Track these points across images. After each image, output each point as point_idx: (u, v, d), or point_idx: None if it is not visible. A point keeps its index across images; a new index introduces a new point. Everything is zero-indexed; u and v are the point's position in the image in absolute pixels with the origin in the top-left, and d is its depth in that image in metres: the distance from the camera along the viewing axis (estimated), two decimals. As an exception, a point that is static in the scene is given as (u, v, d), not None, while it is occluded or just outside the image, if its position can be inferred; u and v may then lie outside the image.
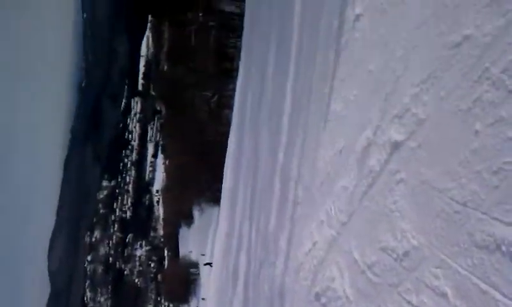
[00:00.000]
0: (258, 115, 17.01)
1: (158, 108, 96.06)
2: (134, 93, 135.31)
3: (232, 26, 30.48)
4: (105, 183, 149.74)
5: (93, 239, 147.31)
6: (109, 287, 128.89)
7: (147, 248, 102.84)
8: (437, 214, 4.05)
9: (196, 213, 44.05)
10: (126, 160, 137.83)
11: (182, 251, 51.19)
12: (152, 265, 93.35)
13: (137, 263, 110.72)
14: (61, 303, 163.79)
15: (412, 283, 4.33)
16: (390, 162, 5.20)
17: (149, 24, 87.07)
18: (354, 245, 5.91)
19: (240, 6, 29.84)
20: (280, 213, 10.98)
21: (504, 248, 3.17)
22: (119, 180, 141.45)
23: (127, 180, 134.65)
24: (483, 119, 3.60)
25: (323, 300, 6.88)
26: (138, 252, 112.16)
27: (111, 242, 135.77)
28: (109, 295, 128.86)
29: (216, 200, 34.08)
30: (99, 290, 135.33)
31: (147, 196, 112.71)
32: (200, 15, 30.13)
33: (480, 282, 3.37)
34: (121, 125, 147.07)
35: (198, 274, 40.05)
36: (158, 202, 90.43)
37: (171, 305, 59.30)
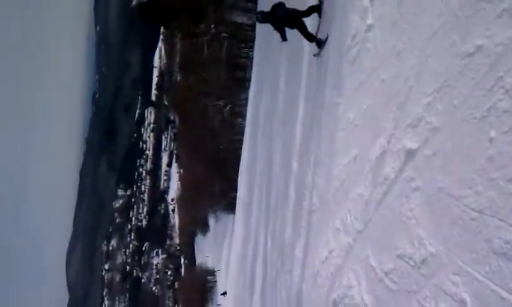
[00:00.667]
0: (271, 124, 17.11)
1: (171, 118, 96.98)
2: (147, 103, 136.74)
3: (244, 37, 30.75)
4: (120, 192, 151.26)
5: (110, 248, 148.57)
6: (127, 295, 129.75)
7: (163, 256, 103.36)
8: (454, 221, 4.09)
9: (211, 221, 44.25)
10: (141, 169, 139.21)
11: (199, 259, 51.40)
12: (169, 273, 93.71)
13: (154, 271, 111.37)
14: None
15: (430, 290, 4.35)
16: (405, 170, 5.25)
17: (161, 36, 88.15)
18: (371, 252, 5.95)
19: (251, 17, 30.12)
20: (295, 221, 11.02)
21: (521, 255, 3.20)
22: (134, 189, 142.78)
23: (142, 189, 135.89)
24: (498, 127, 3.62)
25: (341, 307, 6.92)
26: (155, 260, 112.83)
27: (127, 250, 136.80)
28: (127, 303, 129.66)
29: (231, 208, 34.25)
30: (117, 297, 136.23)
31: (162, 205, 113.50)
32: (212, 26, 30.47)
33: (499, 289, 3.39)
34: (135, 134, 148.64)
35: (215, 281, 40.15)
36: (173, 210, 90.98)
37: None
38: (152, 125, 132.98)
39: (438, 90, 4.66)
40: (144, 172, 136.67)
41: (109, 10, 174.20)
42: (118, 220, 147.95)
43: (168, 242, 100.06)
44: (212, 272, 41.45)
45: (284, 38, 9.45)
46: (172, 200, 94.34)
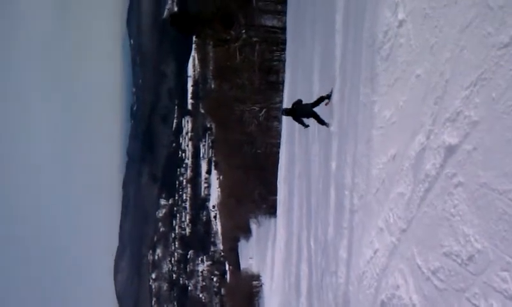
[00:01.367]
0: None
1: (208, 125, 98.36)
2: (184, 112, 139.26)
3: (275, 40, 30.80)
4: (163, 201, 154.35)
5: (156, 257, 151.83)
6: (175, 303, 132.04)
7: (208, 263, 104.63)
8: (499, 217, 4.01)
9: (253, 226, 44.43)
10: (181, 178, 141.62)
11: (243, 264, 51.73)
12: (215, 279, 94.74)
13: (200, 278, 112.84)
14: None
15: (479, 287, 4.27)
16: (446, 166, 5.16)
17: (194, 45, 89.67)
18: (416, 251, 5.86)
19: (281, 19, 30.14)
20: (337, 222, 10.96)
21: None
22: (176, 198, 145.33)
23: (184, 197, 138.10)
24: (539, 118, 3.55)
25: (389, 308, 6.84)
26: (200, 268, 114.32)
27: (172, 258, 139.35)
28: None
29: (271, 212, 34.30)
30: (165, 306, 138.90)
31: (204, 212, 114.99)
32: (243, 31, 30.68)
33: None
34: (174, 144, 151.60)
35: (261, 285, 40.27)
36: (215, 217, 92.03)
37: (235, 318, 59.80)
38: (189, 134, 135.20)
39: (475, 83, 4.57)
40: (184, 180, 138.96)
41: (142, 23, 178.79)
42: (162, 229, 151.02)
43: (212, 249, 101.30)
44: (257, 277, 41.59)
45: (305, 126, 12.42)
46: (213, 207, 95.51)
